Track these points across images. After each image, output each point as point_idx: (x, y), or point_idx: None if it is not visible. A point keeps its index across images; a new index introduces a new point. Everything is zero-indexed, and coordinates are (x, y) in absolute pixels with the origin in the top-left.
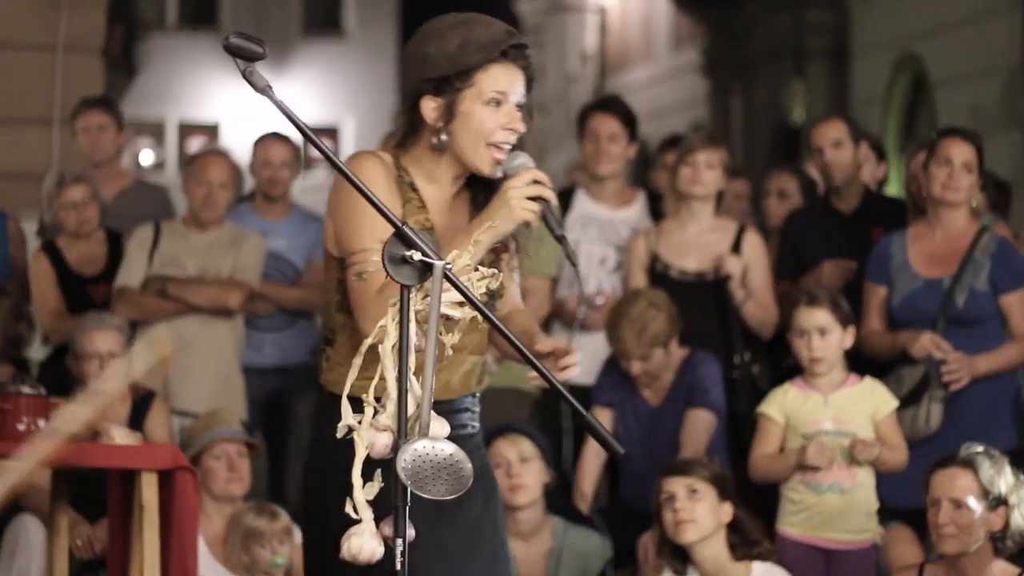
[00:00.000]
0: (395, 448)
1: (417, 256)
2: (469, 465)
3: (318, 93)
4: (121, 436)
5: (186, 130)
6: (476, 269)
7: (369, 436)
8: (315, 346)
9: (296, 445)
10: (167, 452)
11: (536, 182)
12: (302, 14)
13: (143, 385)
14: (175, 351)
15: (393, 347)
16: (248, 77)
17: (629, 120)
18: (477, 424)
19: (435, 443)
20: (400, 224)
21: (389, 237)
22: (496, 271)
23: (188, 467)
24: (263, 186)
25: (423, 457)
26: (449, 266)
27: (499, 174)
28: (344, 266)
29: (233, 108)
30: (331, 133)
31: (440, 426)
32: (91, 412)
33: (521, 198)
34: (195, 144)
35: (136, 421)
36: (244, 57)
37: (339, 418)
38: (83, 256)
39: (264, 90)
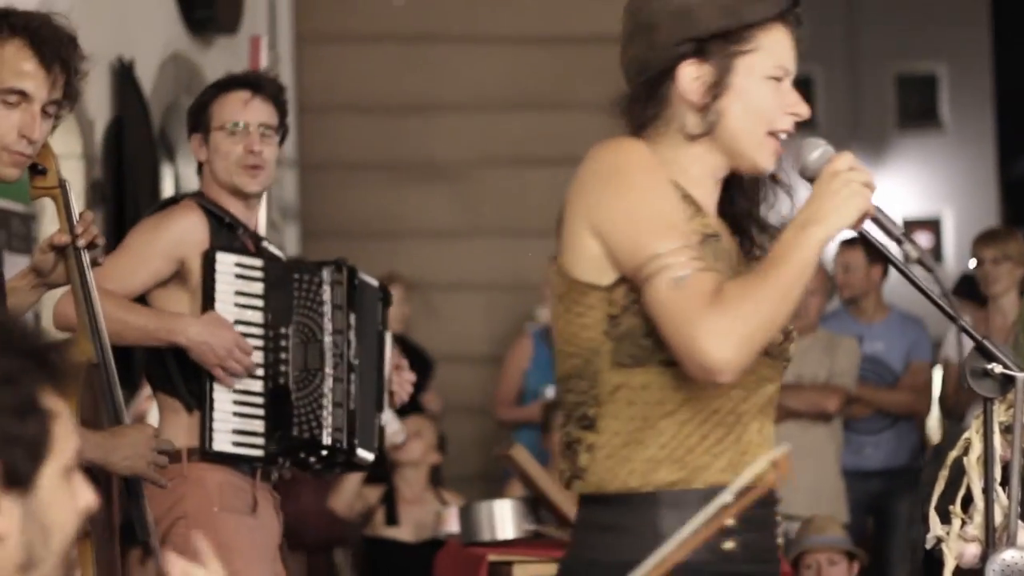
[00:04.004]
0: (983, 558)
1: (998, 369)
2: None
3: (916, 186)
4: None
5: None
6: None
7: (958, 547)
8: (916, 447)
9: (899, 547)
10: None
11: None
12: (897, 108)
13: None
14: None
15: (978, 459)
16: None
17: None
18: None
19: None
20: (981, 339)
21: (970, 351)
22: None
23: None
24: (846, 291)
25: (1012, 567)
26: None
27: (799, 173)
28: (629, 291)
29: None
30: (932, 225)
31: None
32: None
33: (862, 187)
34: None
35: None
36: None
37: (611, 535)
38: None
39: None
